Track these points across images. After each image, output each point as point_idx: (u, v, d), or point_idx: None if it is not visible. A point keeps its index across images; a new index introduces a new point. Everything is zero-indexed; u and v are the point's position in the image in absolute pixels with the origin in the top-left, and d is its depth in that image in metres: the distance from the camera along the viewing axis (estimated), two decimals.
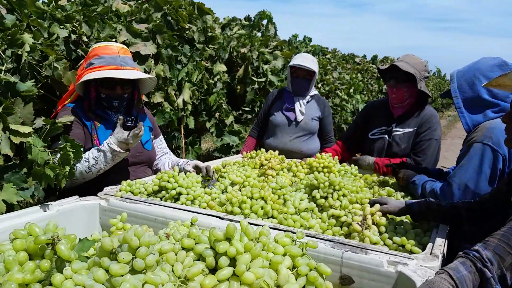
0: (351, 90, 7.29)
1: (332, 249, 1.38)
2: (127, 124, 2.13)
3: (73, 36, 2.56)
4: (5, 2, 2.07)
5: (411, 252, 1.57)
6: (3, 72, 1.86)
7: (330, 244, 1.41)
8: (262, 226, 1.56)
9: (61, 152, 1.68)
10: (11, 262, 0.84)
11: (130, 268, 0.83)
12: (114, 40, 2.85)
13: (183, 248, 1.01)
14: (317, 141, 3.59)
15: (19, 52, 1.95)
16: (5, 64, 1.90)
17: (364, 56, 12.36)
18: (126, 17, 3.10)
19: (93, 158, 2.09)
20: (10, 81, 1.75)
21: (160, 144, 2.63)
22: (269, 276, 0.98)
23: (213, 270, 0.97)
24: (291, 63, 3.42)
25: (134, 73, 2.21)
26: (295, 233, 1.25)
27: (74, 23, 2.63)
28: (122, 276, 0.82)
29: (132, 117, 2.20)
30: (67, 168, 1.66)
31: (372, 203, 1.79)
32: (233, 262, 0.96)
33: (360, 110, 7.16)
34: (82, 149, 2.07)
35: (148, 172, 2.45)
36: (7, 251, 0.90)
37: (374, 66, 11.33)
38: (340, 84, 7.07)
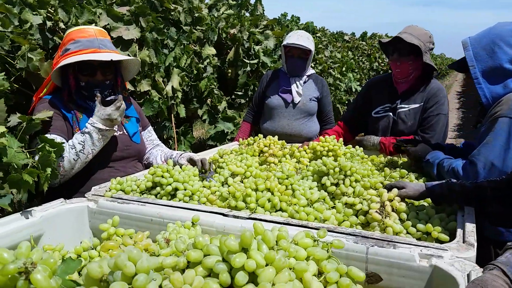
0: (344, 69, 7.10)
1: (355, 244, 1.22)
2: (106, 99, 1.99)
3: (49, 23, 2.34)
4: None
5: (437, 240, 1.42)
6: None
7: (352, 238, 1.25)
8: (271, 222, 1.42)
9: (40, 153, 1.48)
10: None
11: None
12: (94, 25, 2.62)
13: (189, 262, 0.84)
14: (316, 122, 3.42)
15: None
16: None
17: (353, 34, 12.12)
18: (105, 1, 2.86)
19: (79, 143, 1.92)
20: None
21: (149, 136, 2.44)
22: None
23: None
24: (284, 42, 3.21)
25: (114, 55, 2.02)
26: (314, 228, 1.08)
27: (49, 9, 2.40)
28: None
29: (110, 90, 2.06)
30: (49, 170, 1.47)
31: (389, 188, 1.63)
32: (252, 277, 0.79)
33: (353, 88, 7.00)
34: (64, 145, 1.88)
35: (139, 167, 2.27)
36: None
37: (364, 43, 11.13)
38: (333, 63, 6.87)
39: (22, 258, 0.71)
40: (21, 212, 1.45)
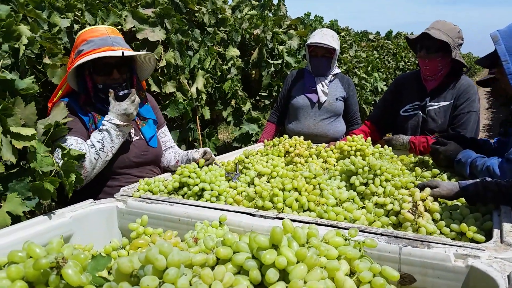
0: (369, 68, 6.99)
1: (387, 244, 1.18)
2: (120, 94, 1.96)
3: (76, 26, 2.38)
4: None
5: (472, 240, 1.37)
6: (0, 68, 1.68)
7: (385, 238, 1.21)
8: (299, 222, 1.39)
9: (64, 158, 1.49)
10: None
11: None
12: (120, 27, 2.65)
13: (218, 259, 0.82)
14: (342, 123, 3.35)
15: (16, 46, 1.76)
16: (2, 59, 1.72)
17: (378, 33, 11.93)
18: (131, 3, 2.90)
19: (97, 141, 1.91)
20: (7, 79, 1.57)
21: (163, 136, 2.37)
22: None
23: (259, 285, 0.78)
24: (308, 42, 3.16)
25: (127, 51, 1.98)
26: (344, 228, 1.05)
27: (76, 12, 2.44)
28: None
29: (122, 84, 2.02)
30: (73, 176, 1.48)
31: (421, 187, 1.58)
32: (283, 274, 0.77)
33: (379, 88, 6.88)
34: (83, 145, 1.88)
35: (156, 171, 2.24)
36: (0, 280, 0.72)
37: (389, 42, 10.95)
38: (357, 62, 6.78)
39: (54, 253, 0.71)
40: (50, 213, 1.47)
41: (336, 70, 3.30)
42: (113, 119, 1.93)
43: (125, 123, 1.95)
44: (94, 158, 1.89)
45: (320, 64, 3.17)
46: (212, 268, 0.79)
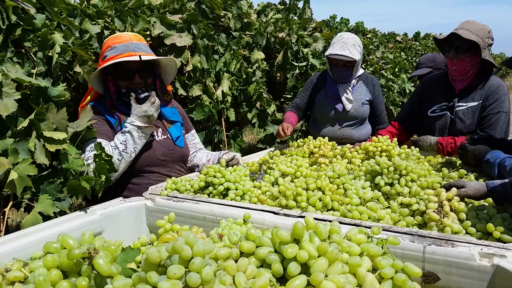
0: (396, 69, 6.89)
1: (411, 243, 1.18)
2: (140, 97, 2.05)
3: (106, 32, 2.47)
4: (34, 0, 1.99)
5: (499, 240, 1.34)
6: (34, 76, 1.77)
7: (408, 237, 1.21)
8: (323, 221, 1.40)
9: (97, 160, 1.57)
10: (42, 283, 0.71)
11: (183, 285, 0.67)
12: (148, 33, 2.73)
13: (242, 253, 0.85)
14: (368, 125, 3.27)
15: (50, 54, 1.86)
16: (37, 67, 1.81)
17: (405, 34, 11.73)
18: (159, 9, 2.98)
19: (121, 143, 1.98)
20: (41, 86, 1.66)
21: (192, 139, 2.48)
22: (349, 283, 0.80)
23: (280, 279, 0.80)
24: (327, 52, 3.02)
25: (147, 57, 2.06)
26: (368, 227, 1.06)
27: (106, 19, 2.54)
28: None
29: (142, 88, 2.09)
30: (103, 177, 1.55)
31: (448, 187, 1.56)
32: (304, 268, 0.79)
33: (406, 90, 6.77)
34: (107, 146, 1.96)
35: (183, 171, 2.31)
36: (37, 269, 0.77)
37: (417, 43, 10.75)
38: (384, 63, 6.69)
39: (86, 245, 0.75)
40: (82, 210, 1.54)
41: (360, 72, 3.19)
42: (134, 121, 2.00)
43: (146, 125, 2.02)
44: (118, 159, 1.96)
45: (341, 74, 3.06)
46: (236, 261, 0.82)
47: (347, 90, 3.09)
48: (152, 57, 2.09)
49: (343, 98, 3.09)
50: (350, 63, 3.01)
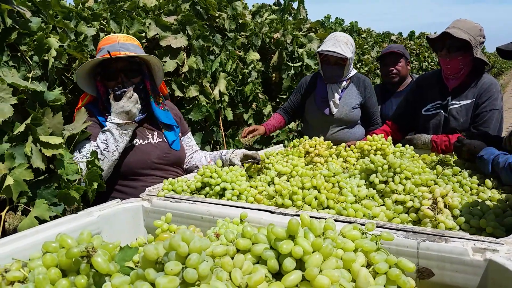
0: None
1: (405, 239, 1.20)
2: (117, 93, 2.03)
3: (102, 35, 2.48)
4: (30, 4, 1.99)
5: (492, 235, 1.37)
6: (30, 80, 1.77)
7: (403, 234, 1.23)
8: (318, 218, 1.42)
9: (89, 166, 1.58)
10: (42, 282, 0.72)
11: (180, 281, 0.69)
12: (144, 35, 2.74)
13: (238, 250, 0.86)
14: (361, 127, 3.25)
15: (46, 58, 1.86)
16: (33, 70, 1.82)
17: (400, 34, 11.77)
18: (154, 11, 2.99)
19: (101, 142, 1.98)
20: (37, 91, 1.66)
21: (189, 141, 2.48)
22: (344, 278, 0.82)
23: (276, 275, 0.82)
24: (319, 49, 3.04)
25: (124, 53, 2.05)
26: (362, 224, 1.08)
27: (102, 21, 2.54)
28: None
29: (119, 85, 2.07)
30: (95, 184, 1.56)
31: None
32: (299, 264, 0.80)
33: None
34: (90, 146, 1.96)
35: (180, 173, 2.32)
36: (37, 268, 0.78)
37: (412, 42, 10.80)
38: None
39: (84, 243, 0.77)
40: (79, 212, 1.55)
41: (352, 73, 3.18)
42: (113, 119, 2.00)
43: (125, 121, 2.01)
44: (100, 158, 1.95)
45: (332, 72, 3.06)
46: (233, 258, 0.83)
47: (335, 93, 3.09)
48: (127, 54, 2.06)
49: (331, 103, 3.10)
50: (342, 60, 3.01)
